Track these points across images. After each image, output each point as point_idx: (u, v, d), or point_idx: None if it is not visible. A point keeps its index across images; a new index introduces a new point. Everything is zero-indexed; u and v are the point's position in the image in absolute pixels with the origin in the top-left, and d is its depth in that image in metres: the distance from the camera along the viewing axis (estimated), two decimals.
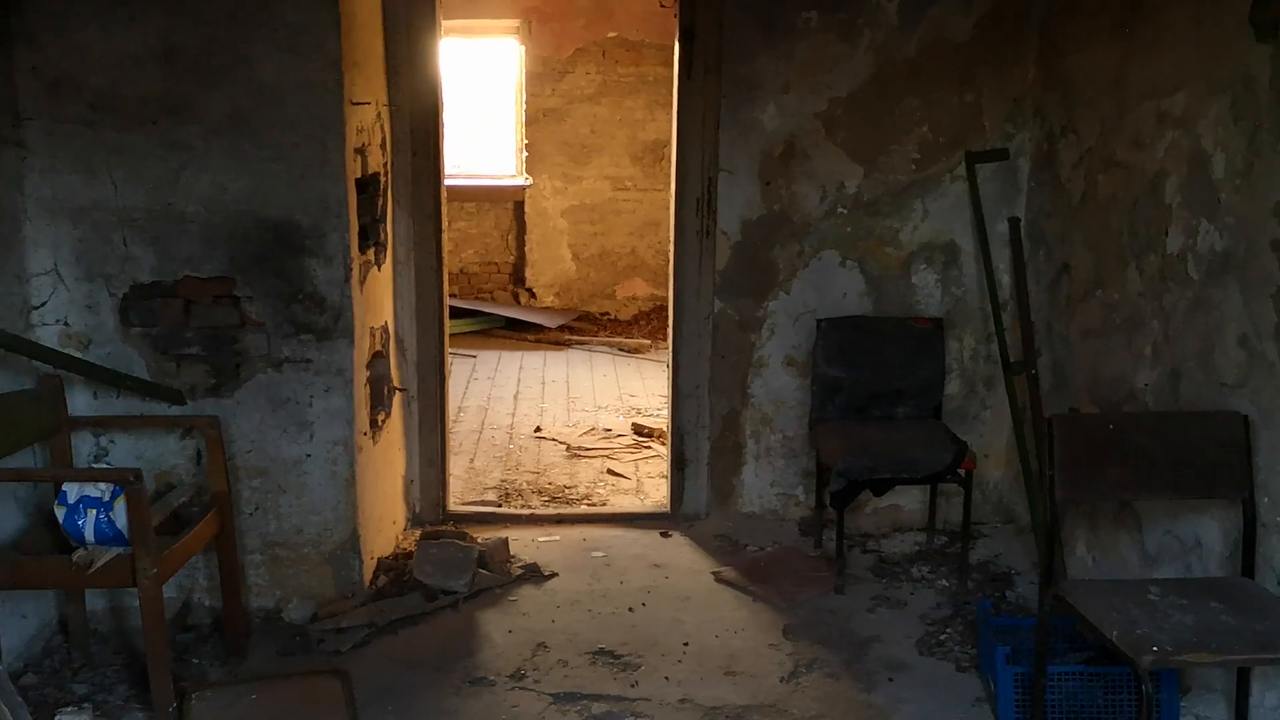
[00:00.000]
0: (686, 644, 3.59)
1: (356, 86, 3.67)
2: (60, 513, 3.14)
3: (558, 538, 4.43)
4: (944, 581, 4.02)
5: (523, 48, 8.51)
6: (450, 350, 7.68)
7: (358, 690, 3.23)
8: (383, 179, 4.13)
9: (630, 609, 3.83)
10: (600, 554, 4.27)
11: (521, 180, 8.68)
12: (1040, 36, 4.23)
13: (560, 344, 8.21)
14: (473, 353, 7.84)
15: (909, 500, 4.49)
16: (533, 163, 8.68)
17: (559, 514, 4.71)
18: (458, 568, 3.93)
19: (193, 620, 3.69)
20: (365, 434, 3.86)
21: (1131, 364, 3.53)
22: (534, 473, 5.36)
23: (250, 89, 3.47)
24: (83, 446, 3.63)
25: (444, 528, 4.40)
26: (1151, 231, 3.42)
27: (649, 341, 8.17)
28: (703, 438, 4.54)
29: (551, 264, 8.87)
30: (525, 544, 4.33)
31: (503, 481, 5.22)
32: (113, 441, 3.65)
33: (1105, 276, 3.71)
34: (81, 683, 3.31)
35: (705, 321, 4.45)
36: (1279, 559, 2.85)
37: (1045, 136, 4.19)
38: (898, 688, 3.34)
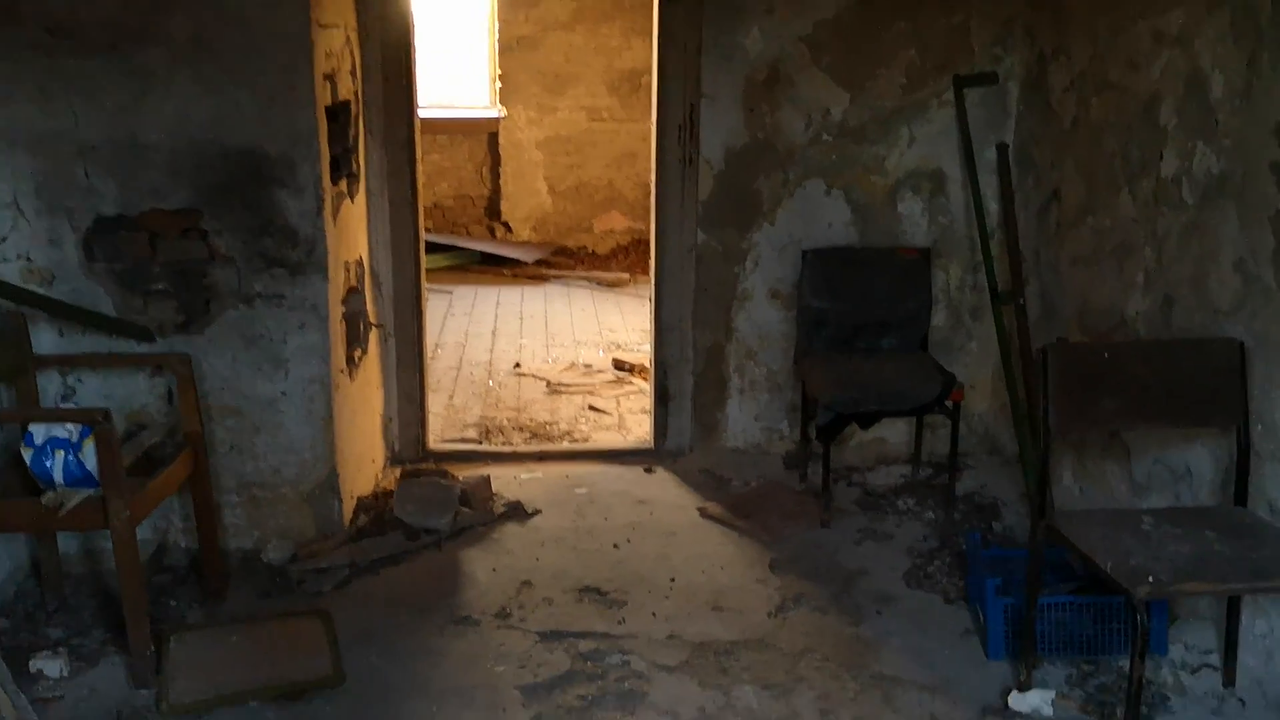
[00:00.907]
0: (673, 580, 3.55)
1: (324, 7, 3.52)
2: (27, 454, 3.04)
3: (540, 475, 4.36)
4: (930, 514, 3.99)
5: None
6: (425, 286, 7.67)
7: (340, 631, 3.18)
8: (354, 107, 3.99)
9: (615, 545, 3.78)
10: (583, 490, 4.21)
11: (495, 112, 8.50)
12: None
13: (537, 279, 8.10)
14: (448, 288, 7.71)
15: (894, 433, 4.45)
16: (506, 93, 8.49)
17: (541, 451, 4.64)
18: (439, 506, 3.87)
19: (169, 561, 3.62)
20: (342, 371, 3.76)
21: (1123, 291, 3.47)
22: (514, 409, 5.29)
23: (212, 10, 3.32)
24: (50, 386, 3.52)
25: (424, 466, 4.33)
26: (1146, 155, 3.34)
27: (628, 275, 8.07)
28: (686, 372, 4.47)
29: (527, 197, 8.71)
30: (507, 481, 4.27)
31: (483, 419, 5.14)
32: (80, 380, 3.54)
33: (1096, 202, 3.64)
34: (56, 626, 3.23)
35: (688, 254, 4.36)
36: (1272, 487, 2.82)
37: (1035, 59, 4.08)
38: (886, 620, 3.32)
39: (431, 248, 8.27)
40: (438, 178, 8.58)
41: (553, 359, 6.16)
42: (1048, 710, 2.85)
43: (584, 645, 3.17)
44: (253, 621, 3.25)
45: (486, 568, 3.62)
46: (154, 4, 3.30)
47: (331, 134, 3.66)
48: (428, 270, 7.86)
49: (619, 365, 5.91)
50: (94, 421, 2.80)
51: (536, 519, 3.98)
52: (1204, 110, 3.05)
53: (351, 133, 3.94)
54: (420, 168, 4.35)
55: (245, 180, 3.46)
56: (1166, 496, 3.25)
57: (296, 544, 3.66)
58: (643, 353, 5.96)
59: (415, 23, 4.18)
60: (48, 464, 3.00)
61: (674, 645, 3.18)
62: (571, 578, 3.56)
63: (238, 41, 3.36)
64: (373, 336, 4.25)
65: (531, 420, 5.12)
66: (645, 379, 5.33)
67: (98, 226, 3.45)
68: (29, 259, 3.43)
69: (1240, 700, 2.87)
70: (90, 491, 2.91)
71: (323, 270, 3.55)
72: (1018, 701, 2.87)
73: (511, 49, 8.40)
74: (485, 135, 8.61)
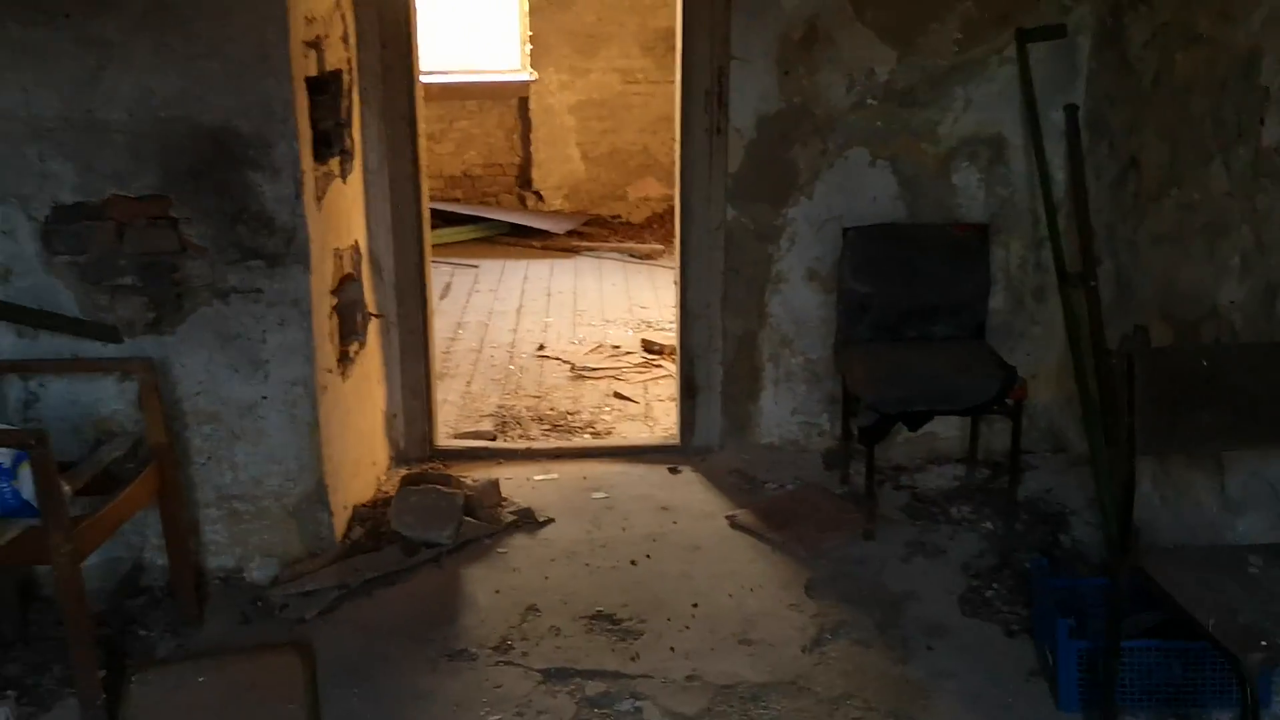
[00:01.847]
0: (696, 605, 3.18)
1: None
2: None
3: (556, 475, 4.00)
4: (988, 524, 3.58)
5: None
6: (451, 261, 7.32)
7: (322, 666, 2.83)
8: (346, 78, 3.61)
9: (633, 562, 3.41)
10: (602, 495, 3.84)
11: (526, 75, 8.09)
12: None
13: (568, 250, 7.71)
14: (475, 262, 7.35)
15: (947, 428, 4.02)
16: (537, 56, 8.08)
17: (558, 448, 4.28)
18: (441, 517, 3.52)
19: (146, 582, 3.31)
20: (331, 371, 3.42)
21: (1214, 276, 3.01)
22: (535, 397, 4.93)
23: None
24: (10, 392, 3.20)
25: (429, 467, 3.98)
26: (1243, 120, 2.87)
27: (662, 247, 7.65)
28: (715, 362, 4.07)
29: (559, 164, 8.31)
30: (519, 483, 3.91)
31: (500, 408, 4.79)
32: (43, 386, 3.22)
33: (1183, 173, 3.17)
34: (13, 662, 2.94)
35: (716, 232, 3.94)
36: None
37: (1110, 9, 3.61)
38: (938, 657, 2.92)
39: (459, 219, 8.00)
40: (466, 145, 8.22)
41: (579, 339, 5.79)
42: None
43: (591, 688, 2.81)
44: (224, 657, 2.91)
45: (489, 589, 3.27)
46: None
47: (319, 107, 3.30)
48: (454, 243, 7.64)
49: (649, 347, 5.53)
50: (27, 445, 2.46)
51: (548, 529, 3.62)
52: None
53: (344, 105, 3.57)
54: (423, 142, 3.97)
55: (216, 162, 3.10)
56: (1265, 516, 2.80)
57: (281, 562, 3.33)
58: (675, 334, 5.57)
59: None
60: None
61: (693, 689, 2.80)
62: (582, 601, 3.20)
63: (204, 6, 3.00)
64: (373, 327, 3.90)
65: (552, 409, 4.76)
66: (675, 362, 4.95)
67: (56, 215, 3.11)
68: None
69: None
70: (31, 522, 2.58)
71: (304, 261, 3.19)
72: None
73: (541, 9, 7.98)
74: (515, 100, 8.22)
